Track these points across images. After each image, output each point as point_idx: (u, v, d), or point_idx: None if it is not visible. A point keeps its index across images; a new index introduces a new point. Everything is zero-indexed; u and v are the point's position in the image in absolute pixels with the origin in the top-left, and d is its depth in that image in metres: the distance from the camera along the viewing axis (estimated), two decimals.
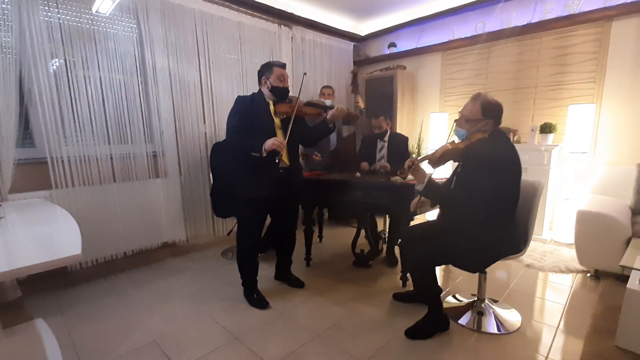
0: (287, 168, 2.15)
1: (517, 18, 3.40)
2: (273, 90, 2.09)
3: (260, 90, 2.14)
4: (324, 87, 3.66)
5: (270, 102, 2.11)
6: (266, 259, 2.84)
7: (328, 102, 3.38)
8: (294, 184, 2.24)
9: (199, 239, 3.26)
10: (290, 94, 2.20)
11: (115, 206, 2.68)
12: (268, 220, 2.36)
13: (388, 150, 2.91)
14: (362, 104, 2.93)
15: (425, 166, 1.80)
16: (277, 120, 2.11)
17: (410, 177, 1.95)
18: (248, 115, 2.03)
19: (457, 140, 1.77)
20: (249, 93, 2.17)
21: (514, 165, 1.65)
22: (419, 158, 1.77)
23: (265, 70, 2.10)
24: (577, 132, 2.96)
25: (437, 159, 1.72)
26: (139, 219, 2.83)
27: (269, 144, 1.89)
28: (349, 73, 4.67)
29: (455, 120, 1.79)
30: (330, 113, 2.12)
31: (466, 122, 1.74)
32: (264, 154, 1.91)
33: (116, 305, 2.17)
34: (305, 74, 2.28)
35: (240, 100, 2.08)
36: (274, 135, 2.04)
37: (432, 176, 1.76)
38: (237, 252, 2.24)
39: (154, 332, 1.88)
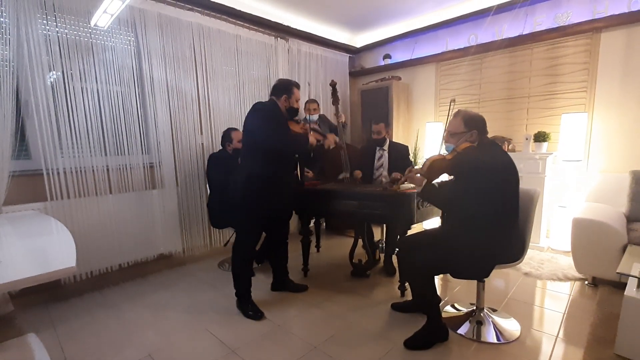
0: (298, 180, 2.27)
1: (509, 30, 3.48)
2: (289, 110, 2.17)
3: (275, 102, 2.15)
4: (308, 101, 3.41)
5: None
6: (263, 270, 2.82)
7: (314, 117, 3.40)
8: (290, 194, 2.30)
9: (195, 250, 3.24)
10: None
11: (111, 218, 2.66)
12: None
13: (389, 160, 2.92)
14: (343, 118, 3.04)
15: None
16: None
17: (409, 185, 1.97)
18: (279, 122, 2.10)
19: (445, 153, 1.82)
20: (246, 104, 2.20)
21: (506, 171, 1.67)
22: (408, 172, 1.80)
23: (287, 90, 2.15)
24: (570, 141, 3.00)
25: (426, 171, 1.76)
26: (135, 231, 2.80)
27: (312, 140, 2.06)
28: (346, 84, 4.74)
29: (443, 137, 1.85)
30: (325, 143, 2.25)
31: (451, 136, 1.79)
32: (319, 143, 2.11)
33: (110, 319, 2.14)
34: (309, 83, 2.37)
35: (272, 109, 2.11)
36: None
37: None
38: (233, 261, 2.21)
39: (148, 346, 1.84)
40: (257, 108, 2.12)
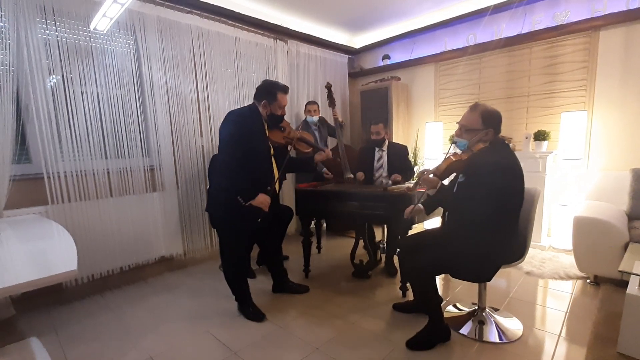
0: (276, 194, 2.16)
1: (507, 29, 3.48)
2: (270, 117, 2.01)
3: (255, 107, 2.03)
4: (308, 103, 3.52)
5: (266, 125, 2.06)
6: (264, 271, 2.82)
7: (315, 119, 3.43)
8: (277, 204, 2.22)
9: (196, 252, 3.23)
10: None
11: (112, 221, 2.66)
12: None
13: (388, 160, 2.93)
14: (339, 116, 3.06)
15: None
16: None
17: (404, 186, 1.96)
18: (245, 135, 1.90)
19: (458, 152, 1.77)
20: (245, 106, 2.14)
21: (516, 173, 1.65)
22: (425, 172, 1.77)
23: (268, 95, 1.96)
24: (570, 139, 3.00)
25: (442, 173, 1.72)
26: (136, 234, 2.80)
27: (259, 201, 1.86)
28: (345, 85, 4.75)
29: (455, 132, 1.80)
30: (316, 158, 2.19)
31: (466, 132, 1.73)
32: (246, 204, 1.87)
33: (111, 323, 2.14)
34: None
35: (239, 120, 1.88)
36: (270, 163, 2.04)
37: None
38: (224, 269, 2.19)
39: (150, 349, 1.84)
40: (226, 118, 1.93)
